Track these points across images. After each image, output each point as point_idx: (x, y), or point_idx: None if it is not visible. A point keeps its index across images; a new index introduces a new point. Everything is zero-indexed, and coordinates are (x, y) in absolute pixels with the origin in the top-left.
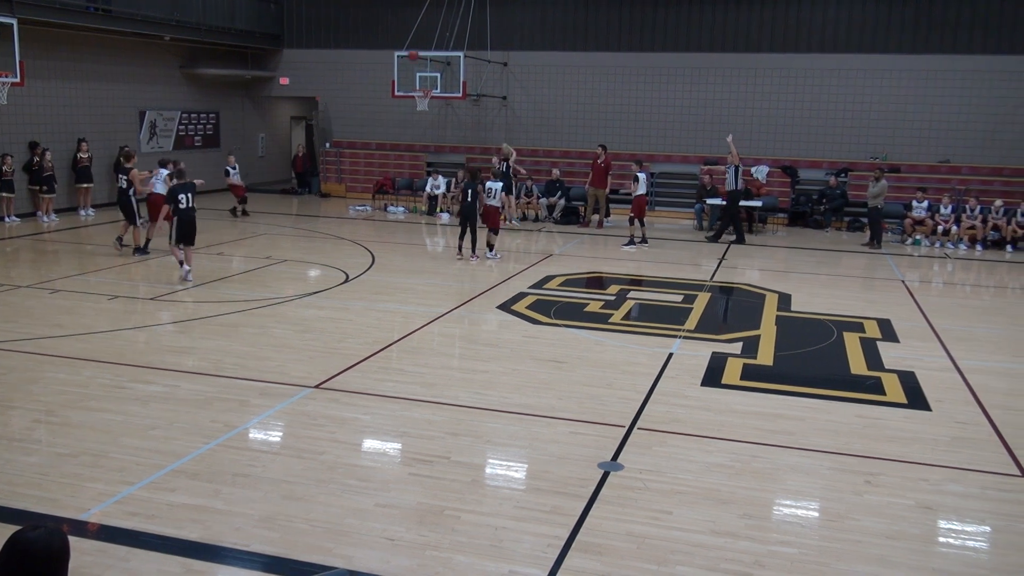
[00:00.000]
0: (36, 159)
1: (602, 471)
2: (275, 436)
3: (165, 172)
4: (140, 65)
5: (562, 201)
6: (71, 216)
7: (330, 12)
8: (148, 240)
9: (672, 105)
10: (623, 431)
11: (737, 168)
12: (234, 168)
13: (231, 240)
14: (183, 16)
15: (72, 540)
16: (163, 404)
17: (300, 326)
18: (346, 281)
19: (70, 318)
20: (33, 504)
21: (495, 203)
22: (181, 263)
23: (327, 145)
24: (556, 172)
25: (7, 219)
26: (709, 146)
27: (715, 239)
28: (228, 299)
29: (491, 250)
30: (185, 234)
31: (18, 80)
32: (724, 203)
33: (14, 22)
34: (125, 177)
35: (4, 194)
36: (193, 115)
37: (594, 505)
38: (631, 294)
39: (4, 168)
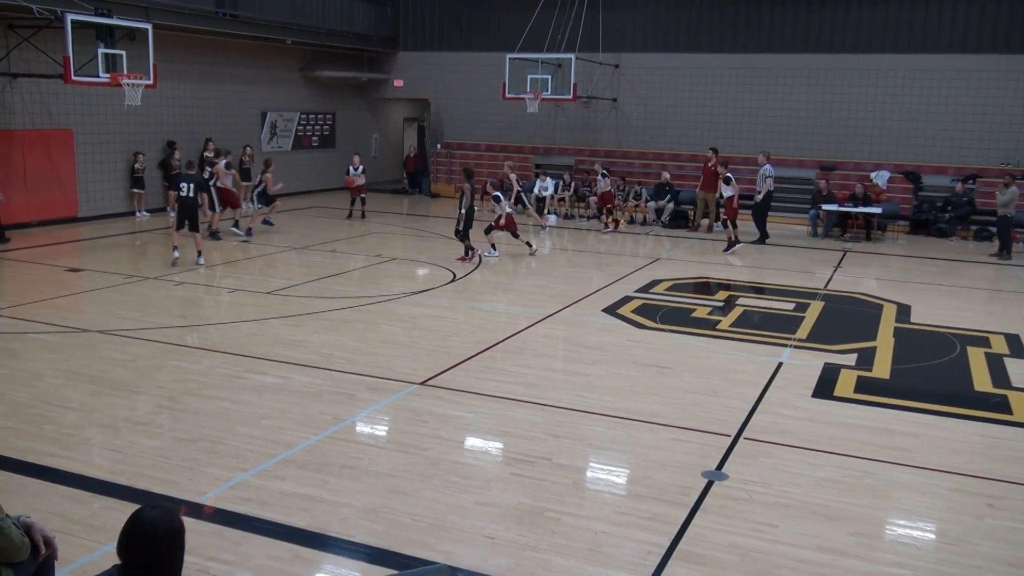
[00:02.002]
0: (168, 158)
1: (706, 480)
2: (381, 430)
3: (222, 163)
4: (263, 68)
5: (671, 205)
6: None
7: (444, 15)
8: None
9: (786, 108)
10: (728, 440)
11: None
12: (356, 168)
13: (344, 238)
14: (304, 20)
15: (189, 522)
16: (276, 395)
17: (408, 323)
18: (453, 281)
19: (193, 309)
20: (155, 485)
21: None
22: (175, 248)
23: (438, 146)
24: (665, 175)
25: (138, 214)
26: (825, 150)
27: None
28: (340, 295)
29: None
30: (184, 220)
31: (151, 82)
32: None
33: (149, 27)
34: (210, 170)
35: (136, 190)
36: (311, 116)
37: (697, 514)
38: (740, 300)
39: (136, 166)
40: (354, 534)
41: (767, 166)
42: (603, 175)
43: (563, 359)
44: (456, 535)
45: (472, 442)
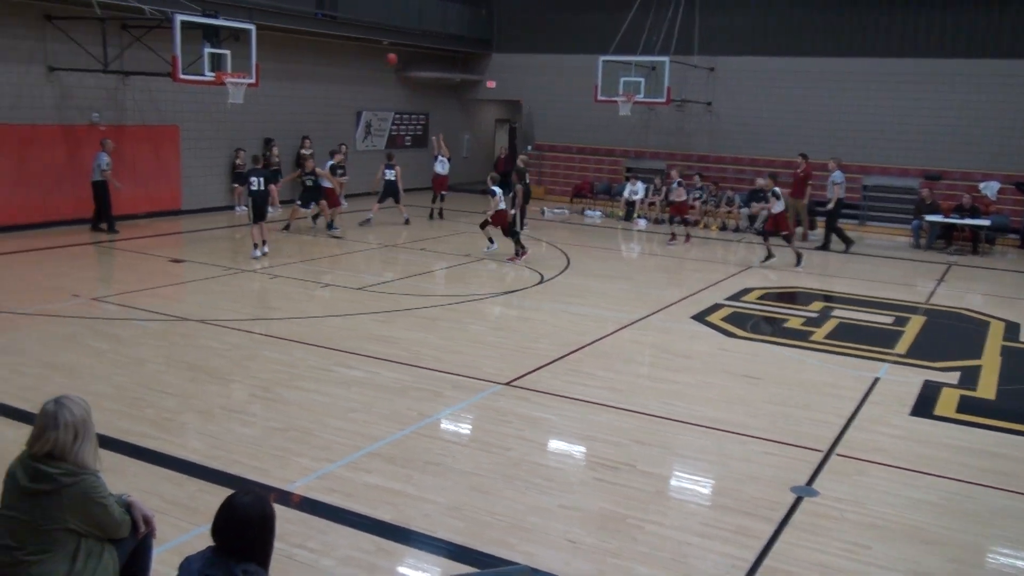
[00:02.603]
0: (268, 154)
1: (795, 495)
2: (465, 428)
3: (330, 163)
4: (359, 68)
5: (764, 212)
6: (292, 207)
7: (538, 17)
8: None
9: (890, 114)
10: (820, 456)
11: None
12: (440, 158)
13: (433, 237)
14: (401, 22)
15: (277, 509)
16: (364, 389)
17: (494, 323)
18: (541, 282)
19: (286, 302)
20: (247, 472)
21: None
22: (256, 245)
23: (528, 148)
24: (760, 182)
25: (237, 208)
26: (930, 159)
27: (824, 247)
28: (428, 293)
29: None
30: (256, 212)
31: (253, 81)
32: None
33: (252, 28)
34: (311, 175)
35: (236, 185)
36: (405, 116)
37: (784, 530)
38: (836, 312)
39: (237, 162)
40: (436, 530)
41: (836, 172)
42: (678, 183)
43: (650, 365)
44: (538, 537)
45: (556, 445)
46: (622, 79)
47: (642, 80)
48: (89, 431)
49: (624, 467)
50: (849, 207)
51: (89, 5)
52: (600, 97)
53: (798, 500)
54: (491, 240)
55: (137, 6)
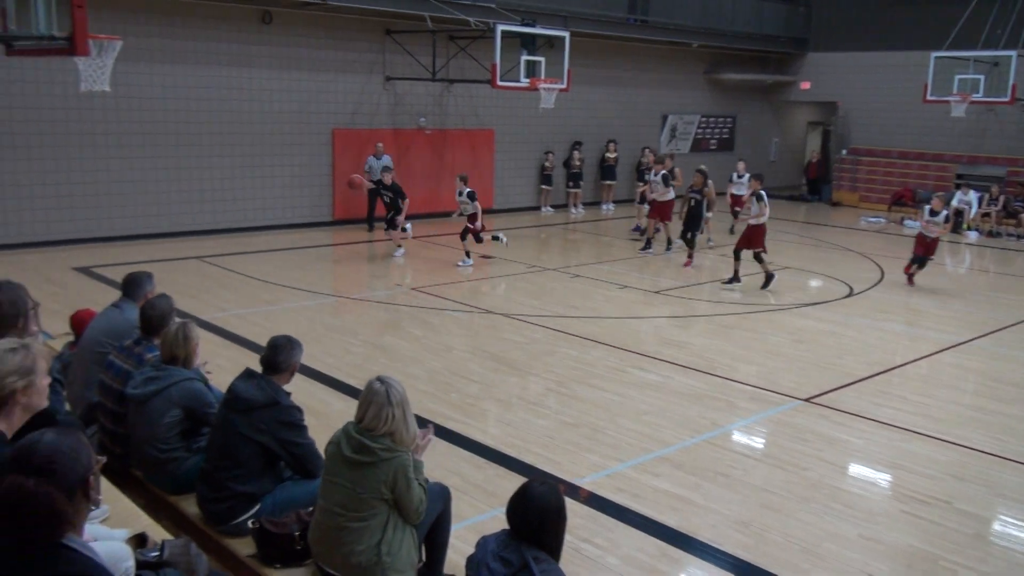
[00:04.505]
0: (570, 158)
1: None
2: (758, 443)
3: (659, 177)
4: (666, 71)
5: None
6: (595, 210)
7: (862, 12)
8: (648, 239)
9: None
10: None
11: None
12: (740, 177)
13: (731, 243)
14: (712, 24)
15: (566, 501)
16: (657, 393)
17: (795, 336)
18: (849, 295)
19: (584, 302)
20: (539, 462)
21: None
22: (399, 246)
23: (843, 152)
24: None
25: (543, 209)
26: None
27: None
28: (727, 300)
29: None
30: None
31: (565, 87)
32: None
33: (566, 35)
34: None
35: (544, 187)
36: (711, 119)
37: None
38: None
39: (546, 164)
40: (722, 542)
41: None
42: (757, 198)
43: (974, 393)
44: (832, 565)
45: (859, 470)
46: (957, 77)
47: (981, 78)
48: (409, 411)
49: (938, 503)
50: None
51: (423, 19)
52: (929, 97)
53: None
54: (468, 254)
55: (463, 18)
